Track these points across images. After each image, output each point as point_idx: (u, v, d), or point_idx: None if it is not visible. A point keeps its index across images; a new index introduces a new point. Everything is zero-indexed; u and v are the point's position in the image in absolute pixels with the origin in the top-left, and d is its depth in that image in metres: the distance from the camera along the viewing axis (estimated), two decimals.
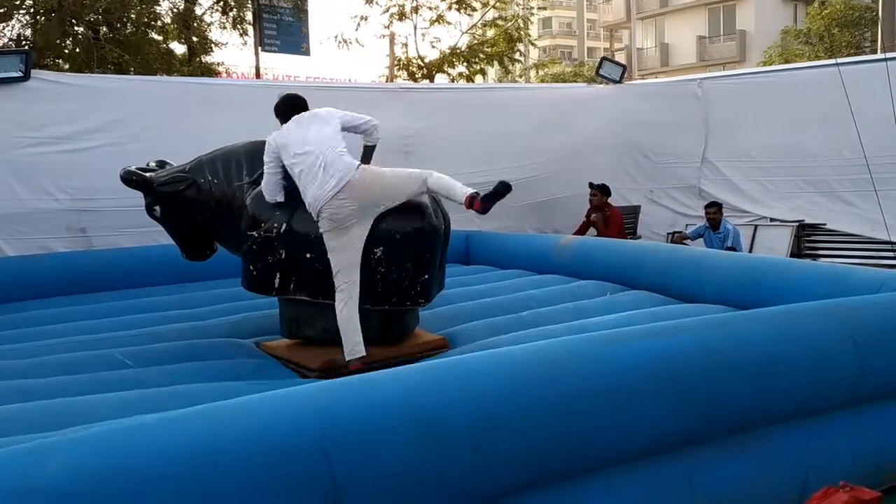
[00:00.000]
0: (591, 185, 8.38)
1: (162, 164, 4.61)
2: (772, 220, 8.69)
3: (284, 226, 4.01)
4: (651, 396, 2.57)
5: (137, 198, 6.86)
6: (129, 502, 1.80)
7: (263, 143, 4.12)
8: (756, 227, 8.56)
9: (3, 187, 6.51)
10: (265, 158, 4.01)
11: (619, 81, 9.99)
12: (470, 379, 2.38)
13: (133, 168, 4.34)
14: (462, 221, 8.07)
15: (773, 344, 2.94)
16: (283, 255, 4.03)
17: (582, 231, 8.37)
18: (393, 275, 3.98)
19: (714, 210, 7.84)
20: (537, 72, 25.14)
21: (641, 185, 9.79)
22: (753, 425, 2.88)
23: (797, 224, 8.39)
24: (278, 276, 4.05)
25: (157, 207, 4.40)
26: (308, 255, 3.99)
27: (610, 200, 8.45)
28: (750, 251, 8.08)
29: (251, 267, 4.15)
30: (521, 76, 25.43)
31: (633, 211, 9.36)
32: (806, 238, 8.44)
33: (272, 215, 4.04)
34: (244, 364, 3.83)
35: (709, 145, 9.31)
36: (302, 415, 2.07)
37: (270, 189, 4.03)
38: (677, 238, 8.34)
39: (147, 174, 4.35)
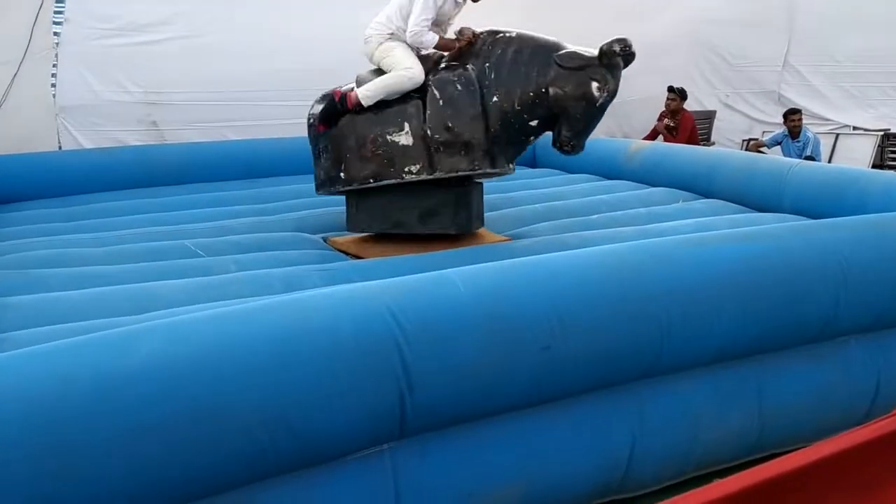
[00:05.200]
0: (670, 88, 8.05)
1: None
2: (854, 128, 8.31)
3: None
4: (729, 302, 2.52)
5: (207, 92, 6.98)
6: (213, 387, 1.85)
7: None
8: (837, 135, 8.21)
9: (78, 79, 6.59)
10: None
11: None
12: (544, 278, 2.36)
13: None
14: None
15: (857, 253, 2.82)
16: None
17: (653, 136, 8.13)
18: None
19: (796, 117, 7.51)
20: None
21: (717, 89, 9.42)
22: (831, 335, 2.82)
23: (882, 133, 8.02)
24: None
25: None
26: None
27: (684, 105, 8.16)
28: (829, 161, 7.79)
29: None
30: None
31: (708, 116, 9.04)
32: (890, 148, 8.07)
33: None
34: (311, 256, 3.87)
35: (791, 48, 8.86)
36: (377, 309, 2.08)
37: None
38: (753, 146, 8.06)
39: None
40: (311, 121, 4.25)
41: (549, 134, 7.39)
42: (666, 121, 8.03)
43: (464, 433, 2.27)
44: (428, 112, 3.89)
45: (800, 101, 8.43)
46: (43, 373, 1.76)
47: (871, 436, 1.35)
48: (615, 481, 2.54)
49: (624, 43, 3.66)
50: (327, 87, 4.27)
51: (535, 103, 3.83)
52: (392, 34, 4.05)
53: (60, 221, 4.68)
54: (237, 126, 7.10)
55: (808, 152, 7.28)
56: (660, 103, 8.19)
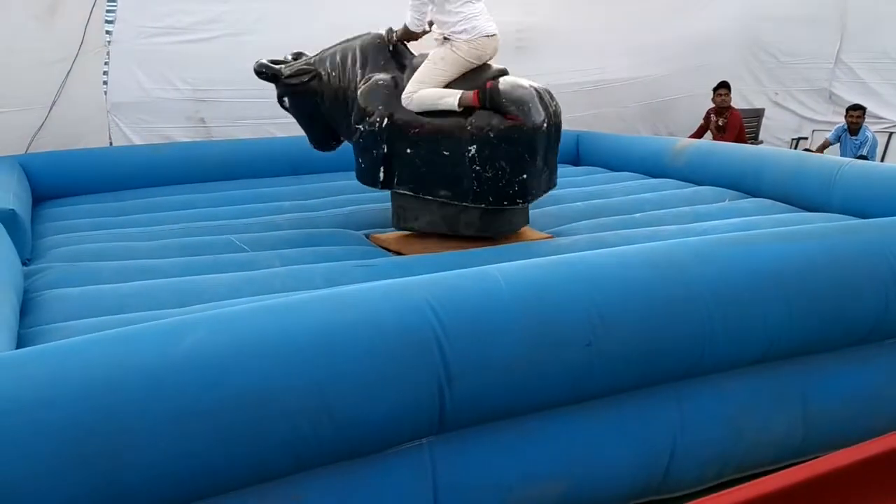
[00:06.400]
0: (724, 84, 7.89)
1: (298, 55, 4.65)
2: None
3: (386, 120, 4.04)
4: (773, 302, 2.48)
5: (254, 90, 7.04)
6: (256, 377, 1.89)
7: (379, 36, 4.34)
8: (891, 134, 8.01)
9: (128, 76, 6.72)
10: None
11: None
12: (585, 275, 2.35)
13: (265, 61, 4.49)
14: (573, 122, 7.90)
15: None
16: (386, 150, 4.09)
17: (699, 134, 8.03)
18: (488, 173, 3.94)
19: (856, 114, 7.34)
20: None
21: (765, 86, 9.26)
22: (880, 337, 2.76)
23: None
24: (382, 169, 4.14)
25: (286, 98, 4.59)
26: (408, 151, 4.05)
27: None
28: (882, 160, 7.60)
29: (360, 159, 4.30)
30: None
31: (756, 114, 8.88)
32: None
33: (376, 108, 4.08)
34: (353, 252, 3.90)
35: (844, 44, 8.66)
36: (417, 303, 2.10)
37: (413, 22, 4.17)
38: (820, 148, 7.84)
39: (277, 66, 4.48)
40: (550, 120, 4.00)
41: (588, 133, 7.41)
42: (713, 118, 7.91)
43: (503, 429, 2.27)
44: None
45: (852, 99, 8.24)
46: (97, 359, 1.82)
47: None
48: (655, 481, 2.52)
49: None
50: None
51: None
52: None
53: (110, 216, 4.78)
54: (283, 123, 7.16)
55: (863, 151, 7.13)
56: (705, 101, 8.08)
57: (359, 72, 4.36)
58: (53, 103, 6.28)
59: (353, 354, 1.98)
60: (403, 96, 4.02)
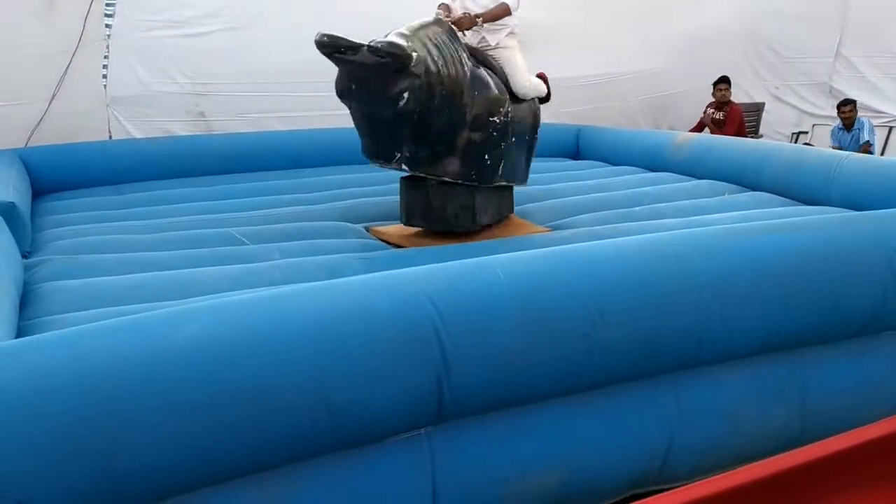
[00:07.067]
0: (725, 78, 7.86)
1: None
2: None
3: (510, 109, 4.00)
4: (771, 294, 2.48)
5: (254, 83, 7.06)
6: (254, 368, 1.89)
7: (441, 20, 3.88)
8: (891, 128, 8.01)
9: (127, 70, 6.71)
10: None
11: None
12: (583, 266, 2.36)
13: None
14: (574, 116, 7.90)
15: None
16: (513, 140, 4.06)
17: (700, 128, 8.02)
18: (532, 155, 4.39)
19: (847, 108, 7.33)
20: None
21: (766, 81, 9.26)
22: (878, 329, 2.76)
23: None
24: (503, 162, 4.00)
25: (408, 94, 3.41)
26: (513, 140, 4.12)
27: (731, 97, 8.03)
28: (882, 154, 7.60)
29: (486, 156, 3.87)
30: None
31: (756, 108, 8.88)
32: None
33: (505, 99, 3.96)
34: (353, 245, 3.91)
35: (845, 39, 8.66)
36: (416, 294, 2.10)
37: None
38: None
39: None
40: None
41: (588, 127, 7.40)
42: (711, 111, 7.90)
43: (502, 419, 2.28)
44: None
45: (852, 93, 8.23)
46: (94, 349, 1.82)
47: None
48: (653, 472, 2.52)
49: None
50: None
51: None
52: None
53: (110, 209, 4.79)
54: (284, 117, 7.16)
55: (864, 137, 7.12)
56: (706, 95, 8.06)
57: (467, 62, 3.85)
58: (53, 97, 6.28)
59: (352, 346, 1.98)
60: (523, 84, 4.08)
